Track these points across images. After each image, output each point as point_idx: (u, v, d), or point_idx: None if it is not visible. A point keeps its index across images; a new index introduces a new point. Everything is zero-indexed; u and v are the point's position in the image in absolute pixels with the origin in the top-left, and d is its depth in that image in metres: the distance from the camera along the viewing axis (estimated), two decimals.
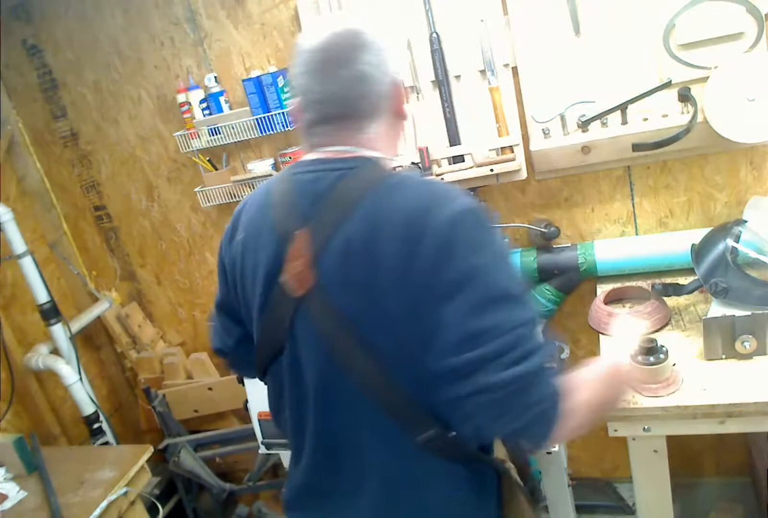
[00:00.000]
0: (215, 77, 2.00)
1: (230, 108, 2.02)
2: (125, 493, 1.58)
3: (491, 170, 1.74)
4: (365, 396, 0.89)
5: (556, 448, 1.49)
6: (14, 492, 1.62)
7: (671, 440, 1.36)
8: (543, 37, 1.68)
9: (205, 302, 2.42)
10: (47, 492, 1.58)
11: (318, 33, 0.94)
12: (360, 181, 0.90)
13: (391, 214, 0.85)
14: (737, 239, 1.50)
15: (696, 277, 1.50)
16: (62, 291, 2.46)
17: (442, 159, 1.81)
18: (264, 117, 1.93)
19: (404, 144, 1.84)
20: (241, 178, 2.03)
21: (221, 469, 2.39)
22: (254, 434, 1.68)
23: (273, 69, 1.92)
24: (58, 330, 2.17)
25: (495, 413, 0.80)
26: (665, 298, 1.59)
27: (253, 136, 1.99)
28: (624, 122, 1.68)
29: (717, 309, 1.45)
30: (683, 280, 1.63)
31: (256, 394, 1.61)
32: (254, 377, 1.09)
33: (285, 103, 1.90)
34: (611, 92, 1.67)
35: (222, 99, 2.00)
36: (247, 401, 1.66)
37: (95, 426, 2.20)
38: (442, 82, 1.76)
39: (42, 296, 2.11)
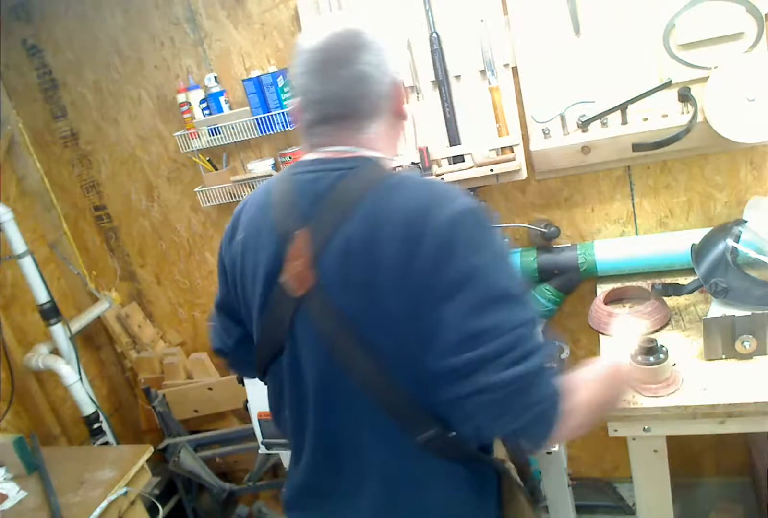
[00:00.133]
0: (215, 77, 2.00)
1: (230, 108, 2.02)
2: (125, 493, 1.58)
3: (491, 170, 1.74)
4: (365, 396, 0.89)
5: (556, 448, 1.49)
6: (14, 492, 1.62)
7: (671, 440, 1.36)
8: (543, 37, 1.68)
9: (205, 302, 2.42)
10: (47, 492, 1.58)
11: (318, 33, 0.94)
12: (360, 180, 0.90)
13: (391, 213, 0.85)
14: (737, 239, 1.50)
15: (696, 277, 1.50)
16: (62, 291, 2.46)
17: (442, 159, 1.81)
18: (264, 117, 1.93)
19: (404, 144, 1.85)
20: (241, 178, 2.03)
21: (221, 469, 2.39)
22: (254, 434, 1.68)
23: (273, 69, 1.92)
24: (58, 330, 2.17)
25: (495, 413, 0.80)
26: (665, 298, 1.59)
27: (253, 136, 1.99)
28: (624, 122, 1.68)
29: (717, 309, 1.45)
30: (683, 280, 1.63)
31: (256, 394, 1.61)
32: (254, 377, 1.09)
33: (285, 103, 1.90)
34: (611, 92, 1.67)
35: (222, 99, 2.00)
36: (247, 401, 1.66)
37: (95, 426, 2.20)
38: (442, 82, 1.76)
39: (42, 296, 2.11)
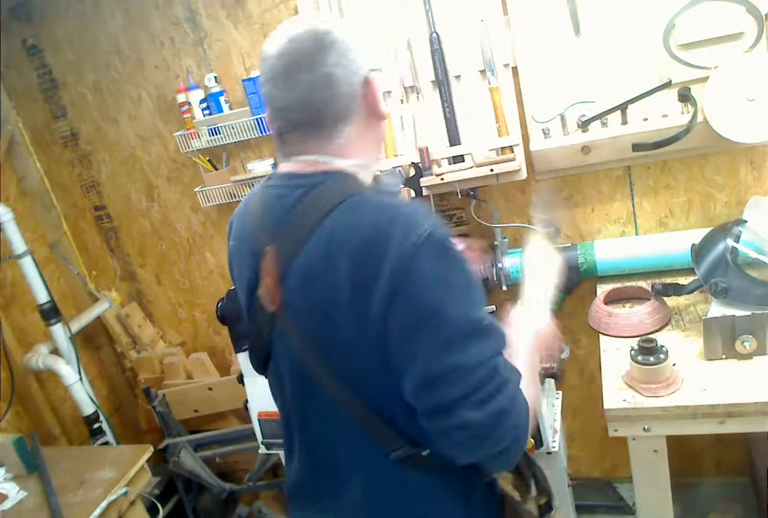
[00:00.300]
0: (215, 77, 2.00)
1: (230, 108, 2.02)
2: (125, 493, 1.58)
3: (491, 170, 1.73)
4: (339, 411, 0.89)
5: (556, 448, 1.49)
6: (14, 492, 1.62)
7: (671, 440, 1.36)
8: (543, 37, 1.68)
9: (205, 302, 2.42)
10: (47, 492, 1.58)
11: (279, 37, 0.90)
12: (321, 200, 0.87)
13: (349, 237, 0.82)
14: (737, 239, 1.50)
15: (696, 277, 1.50)
16: (62, 291, 2.46)
17: (442, 159, 1.81)
18: (264, 117, 1.93)
19: (403, 143, 1.85)
20: (241, 178, 2.03)
21: (221, 469, 2.39)
22: (254, 434, 1.68)
23: None
24: (58, 330, 2.17)
25: (480, 442, 0.80)
26: (665, 298, 1.60)
27: (253, 136, 1.99)
28: (624, 122, 1.68)
29: (717, 309, 1.45)
30: (683, 280, 1.63)
31: (256, 394, 1.61)
32: None
33: None
34: (611, 92, 1.67)
35: (222, 99, 2.00)
36: (247, 401, 1.65)
37: (95, 426, 2.20)
38: (442, 82, 1.76)
39: (42, 296, 2.11)
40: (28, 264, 2.08)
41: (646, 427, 1.31)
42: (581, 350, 2.05)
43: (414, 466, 0.89)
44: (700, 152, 1.71)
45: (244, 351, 1.48)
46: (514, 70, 1.74)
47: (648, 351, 1.31)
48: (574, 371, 2.09)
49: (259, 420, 1.64)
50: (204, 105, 2.02)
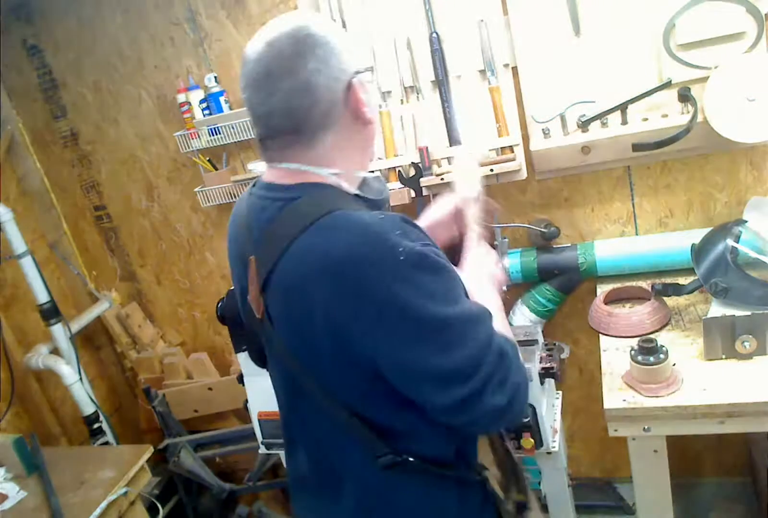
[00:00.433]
0: (215, 77, 2.00)
1: (230, 108, 2.02)
2: (125, 493, 1.57)
3: (491, 170, 1.73)
4: (328, 415, 0.90)
5: (556, 448, 1.49)
6: (14, 492, 1.62)
7: (671, 440, 1.36)
8: (543, 37, 1.68)
9: (205, 302, 2.42)
10: (47, 492, 1.58)
11: (258, 41, 0.87)
12: (295, 217, 0.85)
13: (321, 261, 0.81)
14: (737, 239, 1.50)
15: (696, 277, 1.50)
16: (62, 291, 2.46)
17: (442, 159, 1.81)
18: None
19: (403, 143, 1.85)
20: (241, 178, 2.03)
21: (221, 469, 2.39)
22: (254, 434, 1.68)
23: None
24: (58, 330, 2.16)
25: (506, 419, 0.86)
26: (665, 298, 1.60)
27: (253, 136, 1.98)
28: (624, 122, 1.68)
29: (717, 309, 1.45)
30: (683, 280, 1.63)
31: (256, 394, 1.61)
32: None
33: None
34: (611, 92, 1.67)
35: (222, 99, 2.00)
36: (247, 401, 1.65)
37: (95, 426, 2.20)
38: (442, 82, 1.76)
39: (42, 296, 2.11)
40: (28, 264, 2.08)
41: (646, 427, 1.31)
42: (581, 350, 2.05)
43: (403, 472, 0.89)
44: (700, 152, 1.71)
45: (244, 351, 1.48)
46: (514, 70, 1.74)
47: (648, 351, 1.31)
48: (574, 371, 2.09)
49: (259, 420, 1.64)
50: (204, 105, 2.02)
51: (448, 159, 1.81)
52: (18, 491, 1.63)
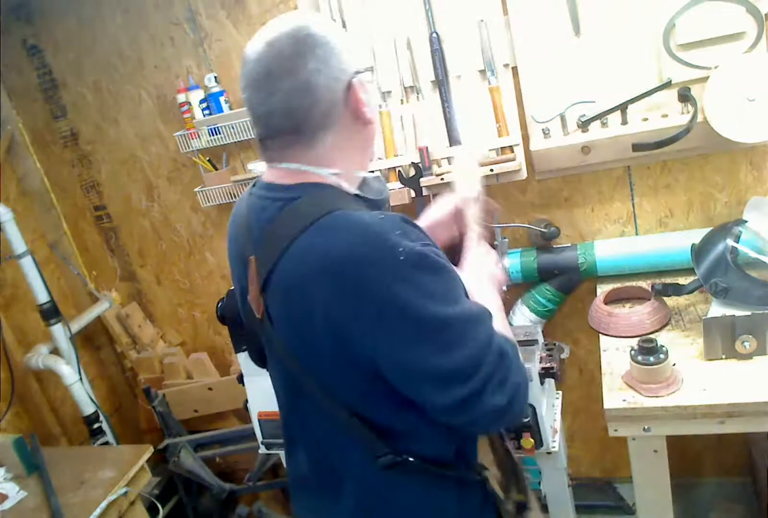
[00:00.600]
0: (215, 77, 2.00)
1: (230, 108, 2.02)
2: (125, 493, 1.57)
3: (491, 170, 1.73)
4: (328, 415, 0.90)
5: (556, 448, 1.49)
6: (14, 492, 1.62)
7: (671, 440, 1.36)
8: (543, 37, 1.68)
9: (205, 302, 2.42)
10: (47, 492, 1.58)
11: (258, 41, 0.87)
12: (295, 217, 0.85)
13: (321, 261, 0.81)
14: (737, 239, 1.50)
15: (696, 277, 1.50)
16: (62, 291, 2.46)
17: (442, 159, 1.81)
18: None
19: (403, 143, 1.85)
20: (241, 178, 2.03)
21: (221, 469, 2.39)
22: (254, 434, 1.68)
23: None
24: (58, 330, 2.16)
25: (506, 418, 0.86)
26: (665, 298, 1.60)
27: (253, 136, 1.98)
28: (624, 122, 1.68)
29: (717, 309, 1.45)
30: (683, 280, 1.63)
31: (256, 394, 1.61)
32: None
33: None
34: (611, 92, 1.67)
35: (222, 99, 2.00)
36: (247, 401, 1.65)
37: (95, 426, 2.20)
38: (442, 82, 1.76)
39: (42, 296, 2.11)
40: (28, 264, 2.08)
41: (646, 427, 1.31)
42: (581, 350, 2.05)
43: (403, 472, 0.89)
44: (700, 152, 1.71)
45: (244, 351, 1.48)
46: (514, 70, 1.74)
47: (648, 351, 1.31)
48: (574, 371, 2.09)
49: (259, 420, 1.64)
50: (204, 105, 2.02)
51: (448, 159, 1.81)
52: (18, 491, 1.63)
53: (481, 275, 1.03)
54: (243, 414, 2.10)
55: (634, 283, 1.76)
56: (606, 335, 1.59)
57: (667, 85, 1.62)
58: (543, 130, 1.74)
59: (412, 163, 1.79)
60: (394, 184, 1.82)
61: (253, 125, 0.92)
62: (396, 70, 1.79)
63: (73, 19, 2.13)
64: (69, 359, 2.18)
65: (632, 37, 1.63)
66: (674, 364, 1.34)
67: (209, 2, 1.97)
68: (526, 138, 1.78)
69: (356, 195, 0.92)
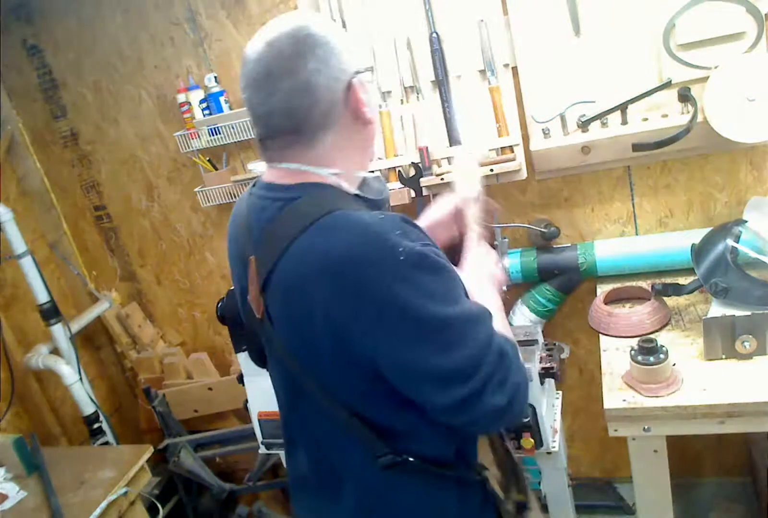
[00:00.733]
0: (215, 77, 2.00)
1: (230, 108, 2.02)
2: (125, 493, 1.57)
3: (491, 170, 1.73)
4: (328, 415, 0.90)
5: (556, 448, 1.49)
6: (14, 492, 1.62)
7: (671, 440, 1.36)
8: (543, 37, 1.68)
9: (205, 302, 2.42)
10: (47, 492, 1.58)
11: (258, 41, 0.87)
12: (295, 217, 0.85)
13: (321, 261, 0.81)
14: (737, 239, 1.50)
15: (696, 277, 1.50)
16: (62, 291, 2.46)
17: (442, 159, 1.81)
18: None
19: (403, 143, 1.85)
20: (241, 178, 2.03)
21: (221, 469, 2.39)
22: (254, 434, 1.68)
23: None
24: (58, 330, 2.16)
25: (506, 418, 0.86)
26: (665, 298, 1.60)
27: (253, 136, 1.98)
28: (624, 122, 1.68)
29: (717, 309, 1.45)
30: (683, 280, 1.63)
31: (256, 394, 1.61)
32: None
33: None
34: (611, 92, 1.67)
35: (222, 99, 2.00)
36: (247, 401, 1.65)
37: (95, 426, 2.20)
38: (442, 82, 1.76)
39: (42, 296, 2.11)
40: (28, 264, 2.08)
41: (646, 427, 1.31)
42: (581, 350, 2.05)
43: (403, 472, 0.89)
44: (700, 152, 1.71)
45: (244, 351, 1.48)
46: (514, 70, 1.74)
47: (648, 351, 1.31)
48: (574, 371, 2.09)
49: (259, 420, 1.64)
50: (204, 105, 2.02)
51: (448, 159, 1.81)
52: (18, 491, 1.63)
53: (481, 275, 1.03)
54: (243, 414, 2.10)
55: (634, 283, 1.76)
56: (606, 335, 1.59)
57: (667, 85, 1.62)
58: (543, 130, 1.74)
59: (412, 163, 1.79)
60: (394, 184, 1.82)
61: (253, 125, 0.92)
62: (396, 70, 1.79)
63: (73, 19, 2.13)
64: (69, 359, 2.18)
65: (632, 37, 1.63)
66: (674, 364, 1.34)
67: (209, 2, 1.97)
68: (526, 138, 1.78)
69: (356, 195, 0.92)
